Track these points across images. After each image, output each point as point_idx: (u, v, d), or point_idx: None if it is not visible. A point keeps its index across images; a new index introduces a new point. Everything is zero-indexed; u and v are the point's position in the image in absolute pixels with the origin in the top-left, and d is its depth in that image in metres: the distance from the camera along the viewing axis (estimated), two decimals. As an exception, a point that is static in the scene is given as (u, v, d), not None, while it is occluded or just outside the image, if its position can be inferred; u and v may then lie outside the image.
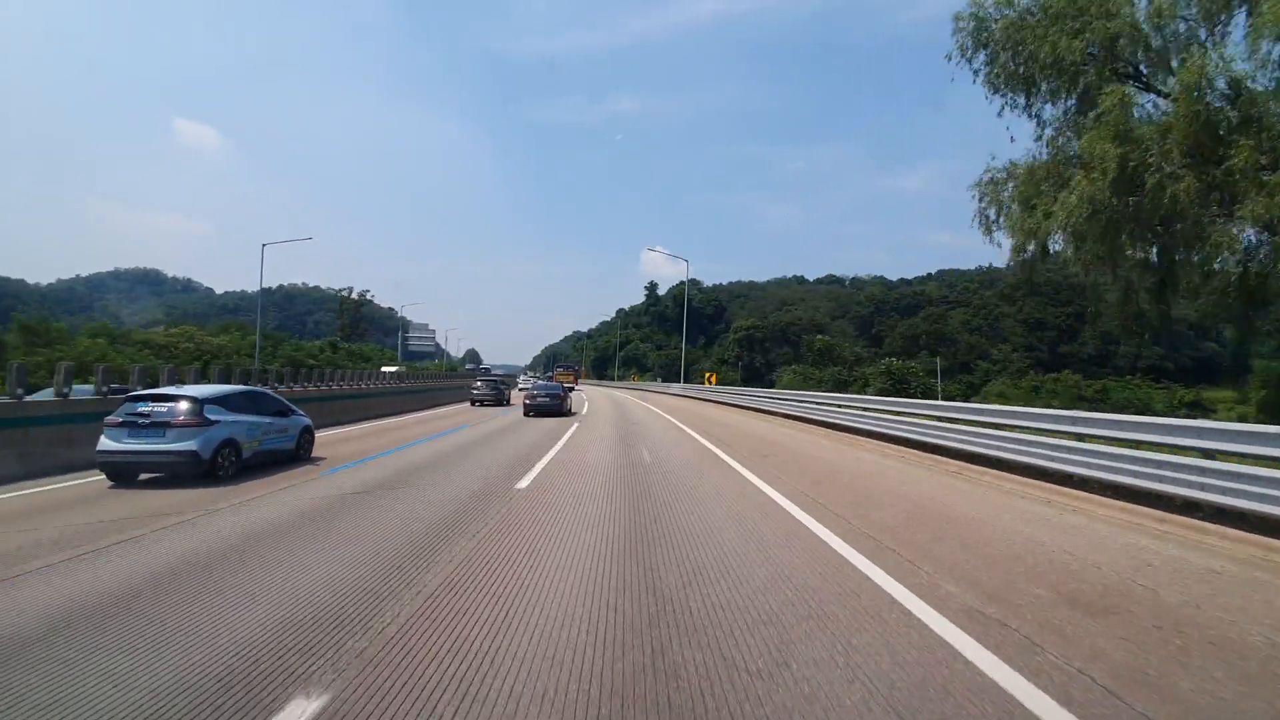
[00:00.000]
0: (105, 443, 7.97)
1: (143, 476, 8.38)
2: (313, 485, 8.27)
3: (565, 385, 57.03)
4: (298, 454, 10.45)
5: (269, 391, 11.08)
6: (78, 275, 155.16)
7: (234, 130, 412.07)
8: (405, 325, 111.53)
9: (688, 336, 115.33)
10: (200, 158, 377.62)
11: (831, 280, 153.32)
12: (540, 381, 31.01)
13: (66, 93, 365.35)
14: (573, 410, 24.20)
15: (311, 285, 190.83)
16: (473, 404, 28.88)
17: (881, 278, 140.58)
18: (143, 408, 8.15)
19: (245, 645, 3.25)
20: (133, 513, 6.55)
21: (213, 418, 8.31)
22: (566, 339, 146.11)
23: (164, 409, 8.13)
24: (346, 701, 2.69)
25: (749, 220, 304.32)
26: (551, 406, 21.82)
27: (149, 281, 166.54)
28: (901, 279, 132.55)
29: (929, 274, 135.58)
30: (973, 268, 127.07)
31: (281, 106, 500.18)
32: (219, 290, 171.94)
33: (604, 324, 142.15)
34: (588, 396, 40.65)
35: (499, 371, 75.10)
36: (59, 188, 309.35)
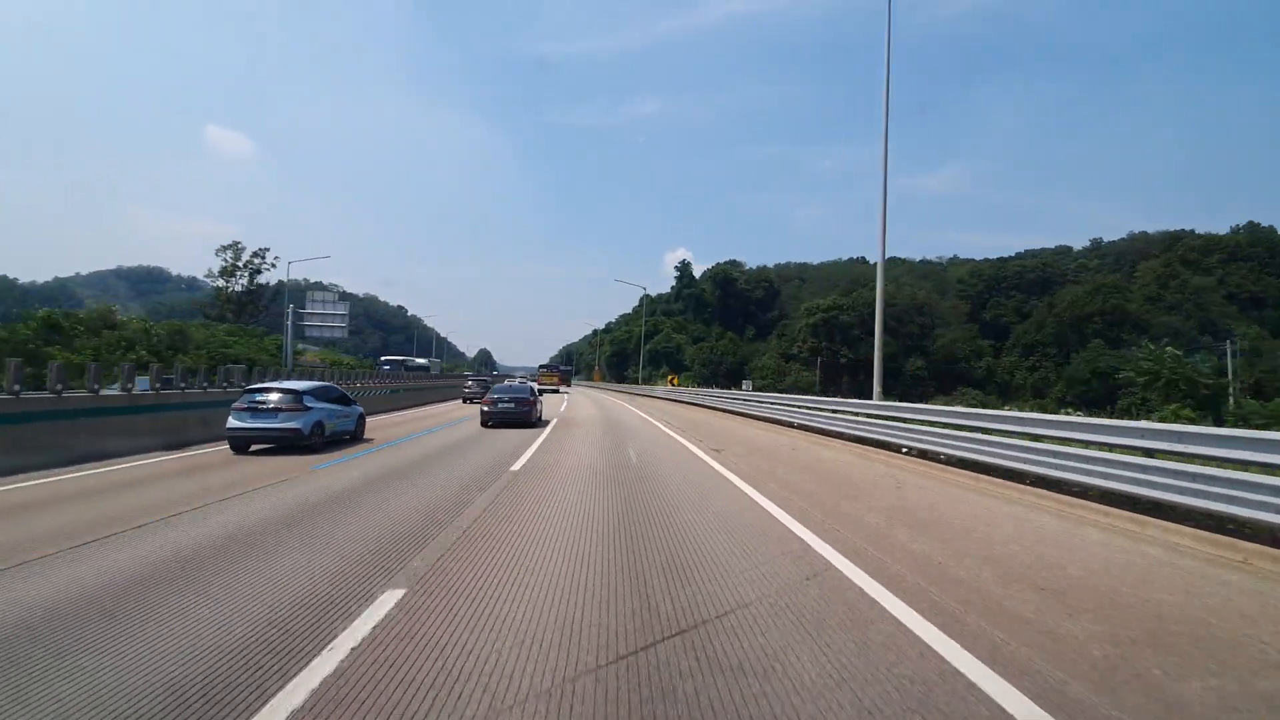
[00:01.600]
0: (233, 421, 11.12)
1: (254, 447, 11.51)
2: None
3: (545, 388, 53.66)
4: (356, 434, 13.61)
5: (338, 386, 14.29)
6: (76, 273, 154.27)
7: (261, 134, 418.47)
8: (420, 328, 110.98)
9: (729, 324, 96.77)
10: (231, 163, 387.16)
11: (897, 262, 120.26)
12: (511, 383, 23.61)
13: (102, 100, 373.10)
14: (542, 419, 20.22)
15: (313, 281, 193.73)
16: (464, 401, 33.56)
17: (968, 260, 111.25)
18: (259, 397, 11.31)
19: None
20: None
21: (309, 405, 11.47)
22: (585, 338, 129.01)
23: (275, 398, 11.29)
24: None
25: (777, 220, 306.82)
26: (515, 415, 17.52)
27: (151, 279, 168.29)
28: (990, 259, 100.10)
29: (1010, 255, 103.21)
30: (1052, 246, 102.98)
31: (308, 110, 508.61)
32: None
33: (623, 318, 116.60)
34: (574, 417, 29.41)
35: (520, 373, 75.63)
36: (93, 192, 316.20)
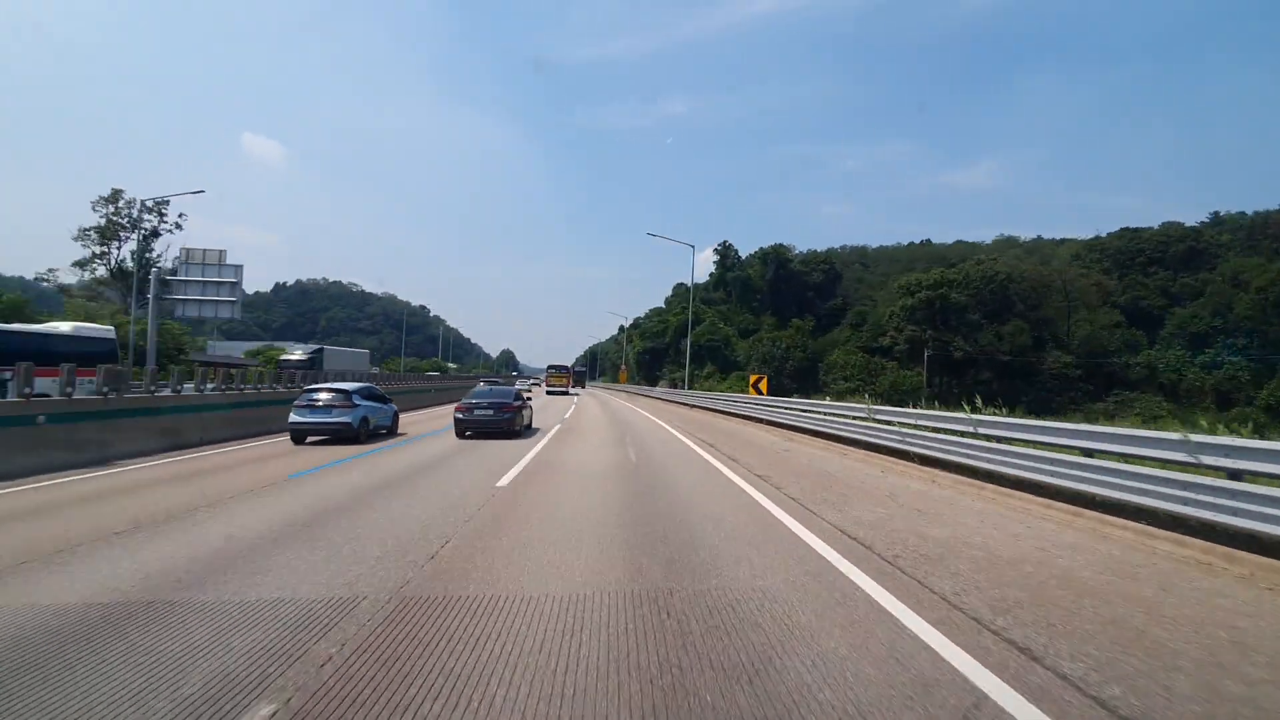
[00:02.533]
0: (294, 416, 13.13)
1: (310, 439, 13.52)
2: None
3: (553, 390, 50.99)
4: (392, 429, 15.61)
5: (378, 387, 16.34)
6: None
7: (294, 141, 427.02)
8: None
9: (782, 313, 75.97)
10: (266, 169, 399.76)
11: (1011, 243, 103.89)
12: (489, 386, 20.01)
13: (147, 111, 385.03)
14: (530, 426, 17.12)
15: (332, 280, 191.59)
16: None
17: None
18: (315, 396, 13.32)
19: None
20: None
21: (357, 402, 13.47)
22: (613, 338, 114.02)
23: (329, 396, 13.30)
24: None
25: (805, 220, 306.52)
26: (495, 424, 14.73)
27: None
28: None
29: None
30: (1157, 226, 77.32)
31: (339, 116, 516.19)
32: (250, 291, 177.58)
33: (654, 311, 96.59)
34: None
35: (542, 375, 71.65)
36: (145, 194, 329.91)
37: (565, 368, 57.86)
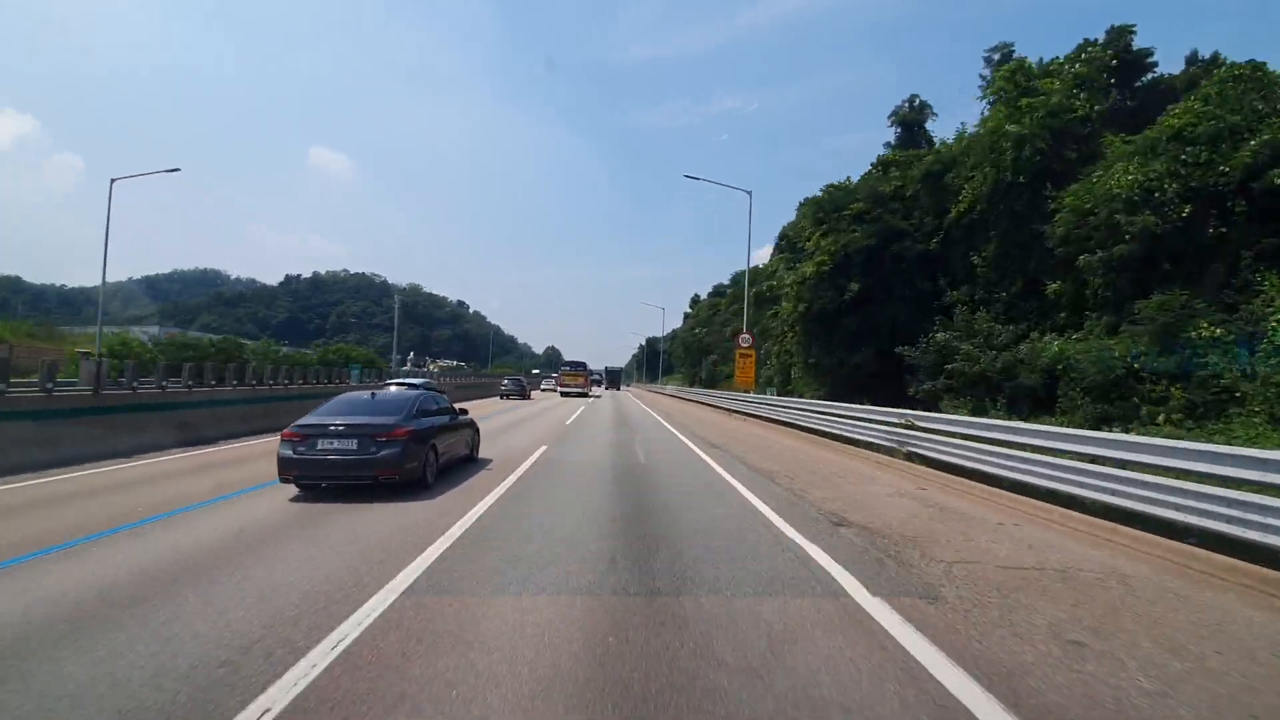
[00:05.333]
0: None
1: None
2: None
3: (569, 391, 42.59)
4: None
5: (434, 383, 17.62)
6: (130, 277, 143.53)
7: (359, 152, 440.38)
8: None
9: None
10: (334, 181, 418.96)
11: None
12: (368, 395, 9.26)
13: (231, 132, 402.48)
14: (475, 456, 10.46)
15: (355, 272, 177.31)
16: (501, 397, 35.66)
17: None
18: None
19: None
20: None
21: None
22: (671, 334, 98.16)
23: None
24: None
25: None
26: (356, 470, 7.24)
27: (207, 281, 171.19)
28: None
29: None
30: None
31: (398, 123, 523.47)
32: (261, 282, 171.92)
33: (708, 300, 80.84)
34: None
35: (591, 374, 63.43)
36: (228, 211, 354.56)
37: (582, 365, 49.97)
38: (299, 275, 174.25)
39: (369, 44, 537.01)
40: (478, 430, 10.60)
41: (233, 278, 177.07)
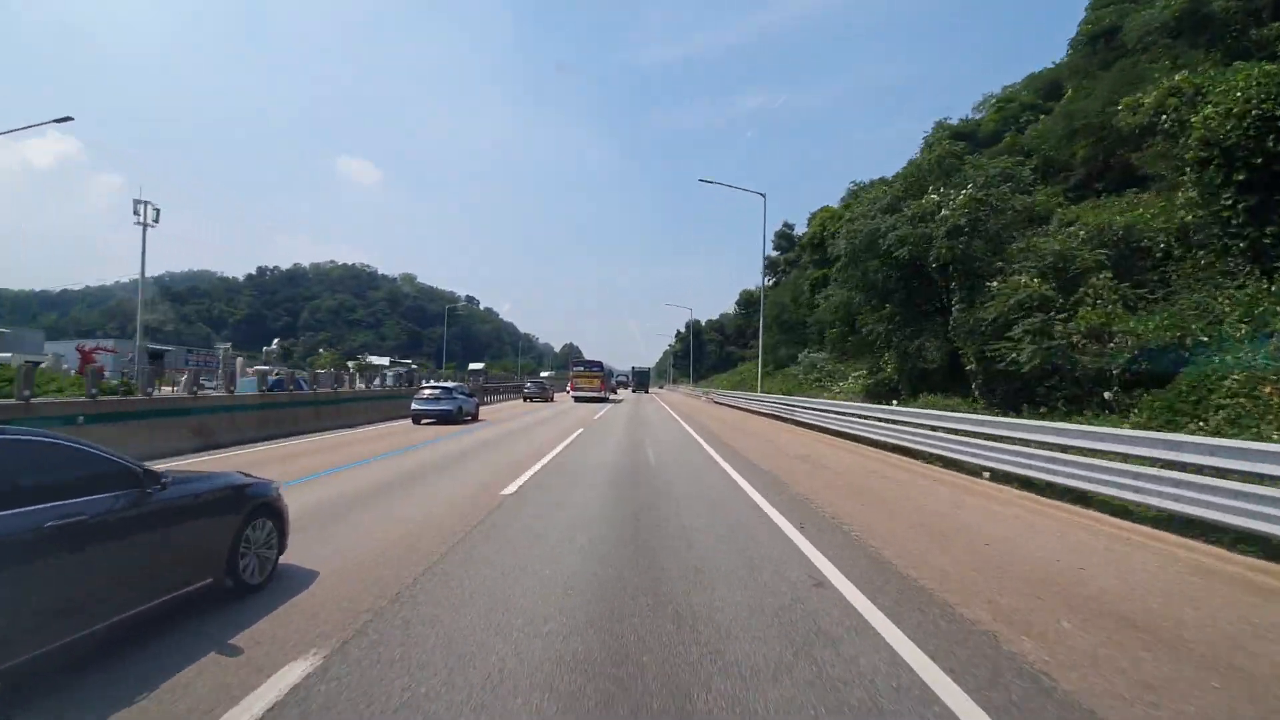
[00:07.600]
0: (414, 405, 19.21)
1: (424, 421, 19.68)
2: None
3: (583, 395, 37.83)
4: (474, 415, 21.85)
5: (465, 385, 22.75)
6: (117, 281, 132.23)
7: (385, 160, 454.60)
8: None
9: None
10: (361, 188, 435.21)
11: None
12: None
13: (262, 145, 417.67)
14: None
15: (342, 263, 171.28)
16: (525, 400, 37.81)
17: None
18: (428, 391, 19.59)
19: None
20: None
21: (456, 396, 19.76)
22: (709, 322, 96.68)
23: (438, 392, 19.55)
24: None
25: None
26: None
27: (194, 280, 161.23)
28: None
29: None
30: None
31: (424, 130, 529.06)
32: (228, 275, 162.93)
33: (745, 294, 78.74)
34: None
35: (617, 377, 65.09)
36: (255, 221, 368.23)
37: (598, 365, 43.11)
38: (275, 267, 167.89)
39: (393, 58, 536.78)
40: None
41: (223, 276, 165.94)
